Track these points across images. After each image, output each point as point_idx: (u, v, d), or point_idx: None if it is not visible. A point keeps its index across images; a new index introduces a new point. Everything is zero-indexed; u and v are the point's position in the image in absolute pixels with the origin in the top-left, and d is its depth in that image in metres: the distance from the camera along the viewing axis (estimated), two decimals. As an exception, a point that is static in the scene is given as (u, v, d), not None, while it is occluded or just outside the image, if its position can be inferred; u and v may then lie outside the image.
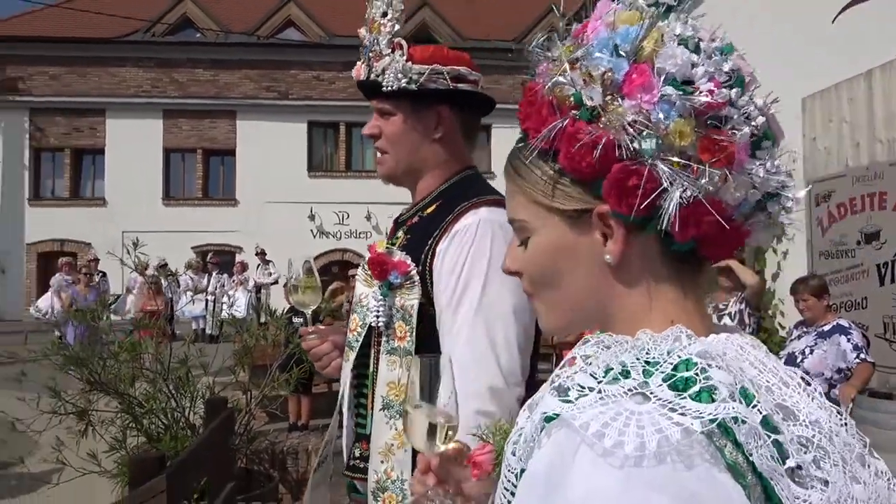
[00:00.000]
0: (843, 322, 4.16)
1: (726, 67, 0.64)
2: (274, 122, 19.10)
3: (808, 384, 0.63)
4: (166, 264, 11.52)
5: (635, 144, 0.61)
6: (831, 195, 5.08)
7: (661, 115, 0.61)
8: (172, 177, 19.41)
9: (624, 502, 0.50)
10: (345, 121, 19.40)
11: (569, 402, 0.56)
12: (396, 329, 1.44)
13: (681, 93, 0.61)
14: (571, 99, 0.64)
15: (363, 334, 1.49)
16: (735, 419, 0.53)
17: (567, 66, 0.65)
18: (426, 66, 1.46)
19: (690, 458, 0.51)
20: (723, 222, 0.63)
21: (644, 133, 0.61)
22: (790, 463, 0.55)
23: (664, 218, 0.62)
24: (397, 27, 1.47)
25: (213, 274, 14.28)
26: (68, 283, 13.48)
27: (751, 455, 0.53)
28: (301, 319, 1.76)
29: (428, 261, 1.43)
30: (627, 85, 0.62)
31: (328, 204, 18.89)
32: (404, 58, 1.45)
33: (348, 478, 1.55)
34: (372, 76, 1.48)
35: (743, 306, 4.73)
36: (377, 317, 1.43)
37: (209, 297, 13.77)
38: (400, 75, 1.44)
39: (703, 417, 0.52)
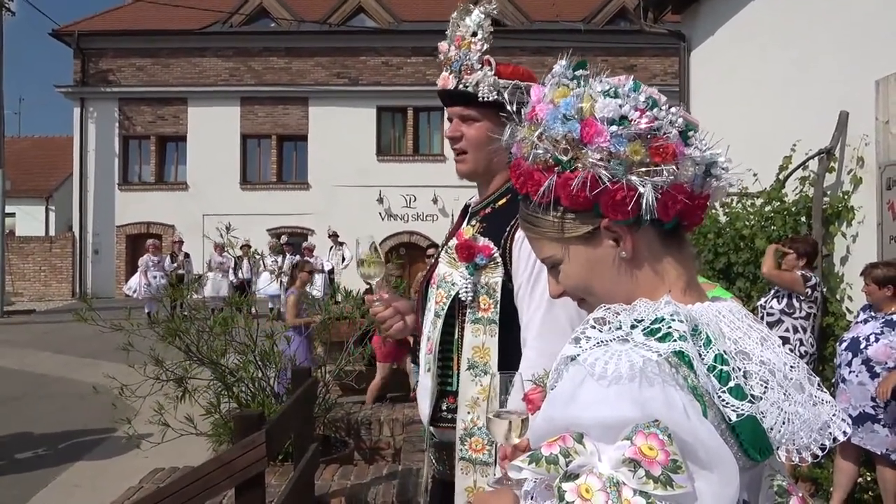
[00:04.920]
0: (911, 314, 4.13)
1: (642, 98, 0.87)
2: (344, 108, 19.53)
3: (767, 339, 0.87)
4: (250, 245, 12.18)
5: (609, 172, 0.85)
6: (903, 179, 5.02)
7: (617, 146, 0.84)
8: (249, 162, 20.11)
9: (606, 404, 0.74)
10: (412, 105, 19.69)
11: (581, 347, 0.82)
12: (480, 302, 1.66)
13: (622, 126, 0.85)
14: (551, 160, 0.88)
15: (447, 305, 1.71)
16: (681, 353, 0.76)
17: (536, 140, 0.89)
18: (510, 81, 1.66)
19: (651, 378, 0.74)
20: (689, 196, 0.87)
21: (611, 162, 0.85)
22: (731, 384, 0.79)
23: (647, 209, 0.85)
24: (486, 46, 1.68)
25: (287, 255, 14.89)
26: (154, 263, 14.39)
27: (698, 377, 0.77)
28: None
29: (508, 244, 1.66)
30: (585, 136, 0.85)
31: (396, 187, 19.25)
32: (493, 73, 1.67)
33: (436, 427, 1.76)
34: (461, 87, 1.69)
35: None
36: (466, 292, 1.67)
37: (283, 278, 14.40)
38: (492, 88, 1.65)
39: (659, 351, 0.76)
